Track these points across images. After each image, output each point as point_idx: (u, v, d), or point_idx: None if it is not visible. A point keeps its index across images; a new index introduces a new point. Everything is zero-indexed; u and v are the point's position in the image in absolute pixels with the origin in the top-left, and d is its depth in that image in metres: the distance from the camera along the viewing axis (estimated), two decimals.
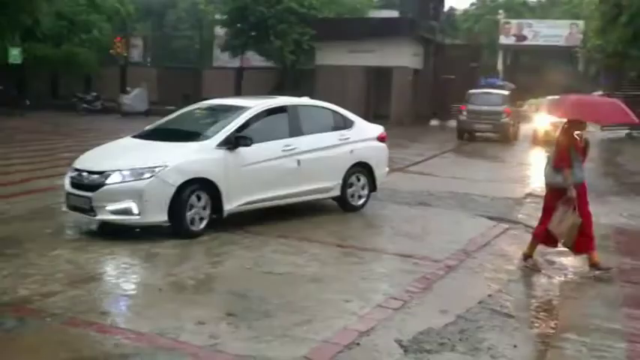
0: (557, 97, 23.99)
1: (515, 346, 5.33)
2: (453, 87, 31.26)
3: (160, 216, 8.01)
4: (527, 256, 7.80)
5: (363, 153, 10.31)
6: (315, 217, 9.76)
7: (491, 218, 10.31)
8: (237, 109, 9.24)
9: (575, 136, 7.55)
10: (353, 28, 29.46)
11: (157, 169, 7.98)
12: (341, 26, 30.06)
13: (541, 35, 47.17)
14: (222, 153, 8.52)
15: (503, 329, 5.71)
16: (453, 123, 29.61)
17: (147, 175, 7.95)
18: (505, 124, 23.19)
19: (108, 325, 5.43)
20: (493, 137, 23.93)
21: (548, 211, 7.66)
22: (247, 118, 8.98)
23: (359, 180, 10.32)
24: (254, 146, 8.75)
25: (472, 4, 60.42)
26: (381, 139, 10.81)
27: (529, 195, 12.68)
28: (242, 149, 8.66)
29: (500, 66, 49.37)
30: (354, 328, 5.48)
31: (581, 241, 7.51)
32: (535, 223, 10.26)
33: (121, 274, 7.01)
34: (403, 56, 28.79)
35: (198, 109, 10.24)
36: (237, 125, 8.81)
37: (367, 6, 37.54)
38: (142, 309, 5.93)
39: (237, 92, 31.68)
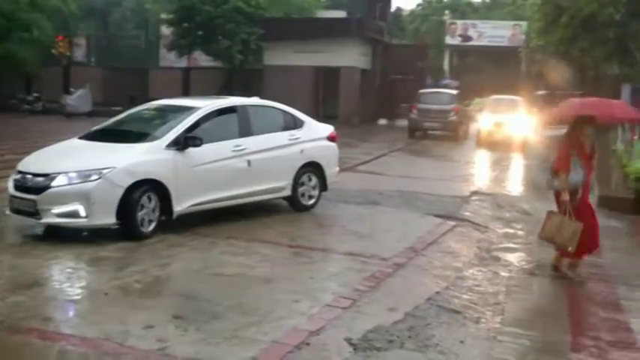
0: (501, 96, 24.37)
1: (462, 342, 5.41)
2: (400, 87, 31.60)
3: (108, 218, 7.88)
4: (556, 268, 7.50)
5: (314, 153, 10.33)
6: (264, 218, 9.72)
7: (438, 216, 10.44)
8: (187, 110, 9.16)
9: (581, 140, 7.33)
10: (301, 28, 29.51)
11: (104, 171, 7.85)
12: (289, 26, 30.07)
13: (486, 36, 48.04)
14: (171, 154, 8.44)
15: (450, 325, 5.79)
16: (401, 122, 29.96)
17: (94, 176, 7.81)
18: (454, 122, 23.93)
19: (51, 331, 5.30)
20: (444, 135, 24.40)
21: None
22: (197, 119, 8.92)
23: (310, 180, 10.34)
24: (204, 147, 8.68)
25: (418, 5, 61.09)
26: (331, 138, 10.84)
27: (475, 193, 12.91)
28: (192, 150, 8.59)
29: (446, 66, 50.09)
30: (304, 328, 5.48)
31: (585, 245, 7.27)
32: (480, 219, 10.49)
33: (66, 278, 6.85)
34: (351, 56, 28.95)
35: (147, 109, 10.10)
36: (187, 126, 8.74)
37: (315, 6, 37.66)
38: (87, 314, 5.82)
39: (185, 92, 31.34)
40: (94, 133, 9.37)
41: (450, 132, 24.13)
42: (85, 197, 7.72)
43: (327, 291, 6.54)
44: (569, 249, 7.18)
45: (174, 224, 8.57)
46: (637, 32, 22.58)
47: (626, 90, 17.36)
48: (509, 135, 21.53)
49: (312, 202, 10.41)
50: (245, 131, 9.47)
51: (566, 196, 7.11)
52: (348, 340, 5.28)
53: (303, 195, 10.27)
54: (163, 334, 5.24)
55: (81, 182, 7.80)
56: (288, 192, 10.04)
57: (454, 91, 26.62)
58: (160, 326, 5.40)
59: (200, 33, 29.18)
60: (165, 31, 35.37)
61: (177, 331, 5.33)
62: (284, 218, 9.88)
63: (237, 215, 9.49)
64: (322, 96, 29.71)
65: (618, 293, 7.07)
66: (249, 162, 9.32)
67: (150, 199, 8.17)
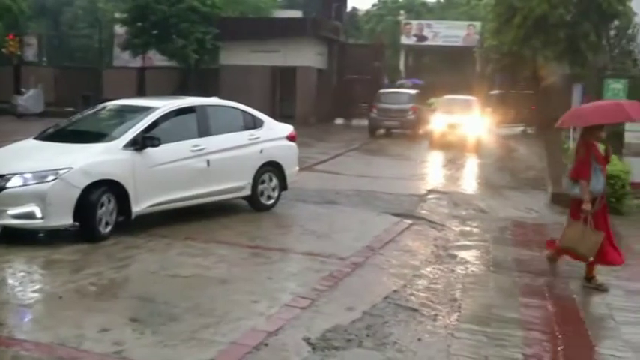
0: (454, 96, 24.56)
1: (419, 339, 5.47)
2: (357, 86, 31.74)
3: (65, 219, 7.80)
4: (590, 278, 7.30)
5: (273, 152, 10.34)
6: (222, 218, 9.67)
7: (395, 215, 10.52)
8: (145, 110, 9.10)
9: (594, 143, 7.22)
10: (257, 28, 29.40)
11: (61, 172, 7.76)
12: (245, 26, 29.93)
13: (441, 36, 48.50)
14: (129, 154, 8.39)
15: (408, 323, 5.84)
16: (358, 122, 30.12)
17: (50, 177, 7.71)
18: (412, 120, 24.39)
19: (4, 336, 5.19)
20: (401, 134, 24.71)
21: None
22: (155, 119, 8.87)
23: (270, 179, 10.35)
24: (162, 147, 8.65)
25: (374, 5, 61.40)
26: (290, 138, 10.88)
27: (431, 191, 13.05)
28: (150, 150, 8.54)
29: (402, 66, 50.46)
30: (262, 329, 5.47)
31: (609, 253, 7.17)
32: (437, 218, 10.61)
33: (19, 282, 6.71)
34: (307, 56, 28.96)
35: (105, 109, 9.99)
36: (145, 126, 8.68)
37: (271, 6, 37.54)
38: (41, 318, 5.71)
39: (140, 92, 30.94)
40: (50, 133, 9.26)
41: (409, 130, 24.57)
42: (40, 198, 7.62)
43: (286, 291, 6.54)
44: (590, 258, 7.11)
45: (131, 226, 8.47)
46: (587, 33, 23.09)
47: (577, 89, 17.73)
48: (463, 136, 21.15)
49: (272, 201, 10.42)
50: (204, 131, 9.43)
51: (588, 206, 6.94)
52: (307, 340, 5.29)
53: (262, 195, 10.27)
54: (120, 337, 5.18)
55: (37, 183, 7.69)
56: (247, 192, 10.02)
57: (413, 91, 27.09)
58: (116, 329, 5.33)
59: (154, 32, 28.82)
60: (119, 30, 34.88)
61: (133, 334, 5.27)
62: (242, 218, 9.84)
63: (195, 216, 9.42)
64: (279, 96, 29.67)
65: (571, 288, 7.23)
66: (208, 162, 9.29)
67: (108, 200, 8.10)
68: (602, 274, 7.92)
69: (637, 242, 9.82)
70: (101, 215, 8.01)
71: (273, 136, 10.52)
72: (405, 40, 49.64)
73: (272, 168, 10.35)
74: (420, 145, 22.66)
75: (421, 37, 49.19)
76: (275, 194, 10.47)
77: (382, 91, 26.85)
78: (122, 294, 6.42)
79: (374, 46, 33.55)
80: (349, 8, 47.23)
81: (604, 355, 5.38)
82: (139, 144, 8.47)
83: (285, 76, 29.25)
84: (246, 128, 10.22)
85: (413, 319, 5.94)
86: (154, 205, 8.68)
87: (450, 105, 22.99)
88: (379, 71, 31.68)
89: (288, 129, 10.98)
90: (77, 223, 7.90)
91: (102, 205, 8.00)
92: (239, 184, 9.87)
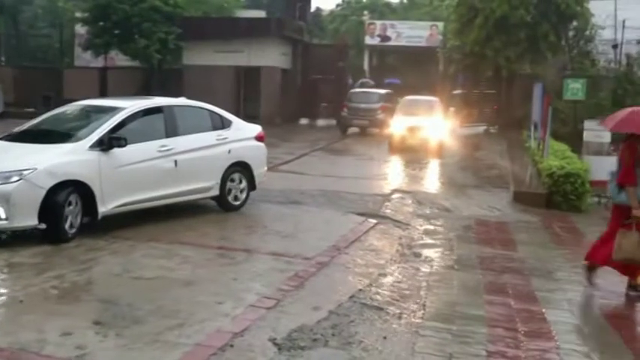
0: (415, 97, 24.61)
1: (385, 338, 5.50)
2: (321, 86, 31.77)
3: (29, 220, 7.70)
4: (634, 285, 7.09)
5: (242, 153, 10.37)
6: (186, 219, 9.59)
7: (360, 214, 10.56)
8: (112, 110, 9.06)
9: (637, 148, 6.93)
10: (220, 28, 29.23)
11: (25, 172, 7.67)
12: (208, 25, 29.74)
13: (404, 36, 48.76)
14: (95, 154, 8.36)
15: (373, 322, 5.87)
16: (322, 122, 30.20)
17: (14, 178, 7.62)
18: (381, 119, 24.69)
19: None
20: (371, 133, 24.94)
21: (612, 229, 7.15)
22: (122, 119, 8.85)
23: (238, 180, 10.39)
24: (129, 147, 8.62)
25: (337, 5, 61.54)
26: (259, 138, 10.91)
27: (396, 191, 13.12)
28: (117, 150, 8.52)
29: (366, 66, 50.66)
30: (228, 330, 5.44)
31: None
32: (401, 217, 10.68)
33: None
34: (271, 56, 28.90)
35: (71, 109, 9.92)
36: (111, 126, 8.66)
37: (234, 5, 37.37)
38: (2, 323, 5.60)
39: (102, 93, 30.52)
40: (15, 133, 9.19)
41: (378, 128, 24.78)
42: (4, 199, 7.53)
43: (251, 291, 6.52)
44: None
45: (94, 228, 8.38)
46: (547, 33, 23.49)
47: (537, 89, 18.00)
48: (424, 140, 20.03)
49: (240, 202, 10.45)
50: (171, 131, 9.43)
51: (639, 212, 6.72)
52: (273, 340, 5.28)
53: (231, 195, 10.30)
54: (82, 340, 5.10)
55: (0, 184, 7.58)
56: (215, 192, 10.03)
57: (382, 91, 27.52)
58: (78, 333, 5.25)
59: (116, 32, 28.46)
60: (80, 30, 34.36)
61: (96, 338, 5.19)
62: (206, 219, 9.78)
63: (158, 217, 9.34)
64: (243, 96, 29.55)
65: (533, 285, 7.34)
66: (175, 162, 9.30)
67: (75, 202, 8.06)
68: (563, 269, 8.08)
69: (596, 239, 10.00)
70: (67, 216, 7.96)
71: (242, 136, 10.52)
72: (368, 40, 49.82)
73: (240, 168, 10.37)
74: (385, 145, 22.77)
75: (385, 37, 49.43)
76: (244, 194, 10.49)
77: (353, 90, 27.73)
78: (85, 297, 6.33)
79: (338, 46, 33.60)
80: (313, 8, 47.34)
81: (565, 349, 5.47)
82: (106, 144, 8.44)
83: (249, 77, 29.15)
84: (214, 128, 10.20)
85: (378, 318, 5.97)
86: (120, 205, 8.64)
87: (410, 106, 21.82)
88: (343, 71, 31.73)
89: (256, 129, 10.99)
90: (42, 225, 7.78)
91: (69, 205, 7.96)
92: (207, 184, 9.87)
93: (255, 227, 9.61)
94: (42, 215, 7.74)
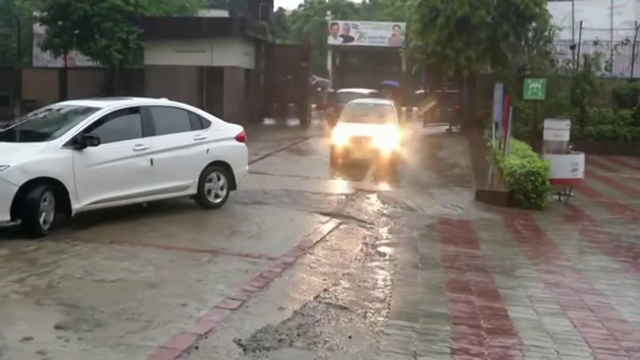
0: (363, 100, 24.50)
1: (350, 337, 5.52)
2: (285, 86, 31.74)
3: (1, 216, 8.00)
4: None
5: (220, 152, 10.63)
6: (149, 220, 9.50)
7: (324, 214, 10.59)
8: (88, 110, 9.38)
9: None
10: (183, 28, 28.97)
11: None
12: (170, 25, 29.45)
13: (367, 36, 49.07)
14: (69, 152, 8.64)
15: (338, 321, 5.89)
16: (287, 122, 30.20)
17: None
18: None
19: None
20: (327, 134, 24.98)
21: None
22: (96, 119, 9.15)
23: (217, 178, 10.65)
24: (104, 146, 8.95)
25: (300, 5, 61.60)
26: (239, 138, 11.18)
27: (359, 190, 13.16)
28: (91, 149, 8.82)
29: (329, 66, 50.79)
30: (192, 332, 5.41)
31: None
32: (365, 216, 10.73)
33: None
34: (234, 56, 28.75)
35: (52, 110, 10.28)
36: (85, 126, 8.96)
37: (196, 5, 37.09)
38: None
39: (62, 93, 30.01)
40: None
41: None
42: None
43: (215, 293, 6.48)
44: None
45: (54, 231, 8.29)
46: (507, 34, 23.81)
47: (498, 88, 18.23)
48: (373, 152, 16.36)
49: (220, 200, 10.71)
50: (148, 131, 9.72)
51: None
52: (238, 342, 5.26)
53: (210, 193, 10.56)
54: (44, 346, 5.01)
55: None
56: (193, 190, 10.32)
57: (366, 91, 28.84)
58: (39, 338, 5.16)
59: (76, 32, 28.01)
60: (39, 29, 33.75)
61: (58, 342, 5.11)
62: (169, 220, 9.69)
63: (121, 219, 9.26)
64: (206, 96, 29.35)
65: (496, 282, 7.44)
66: (151, 161, 9.57)
67: (48, 198, 8.33)
68: (525, 267, 8.20)
69: (557, 236, 10.20)
70: (42, 212, 8.23)
71: (221, 136, 10.79)
72: (331, 41, 50.00)
73: (220, 167, 10.63)
74: None
75: (348, 38, 49.65)
76: (223, 193, 10.74)
77: (339, 91, 30.15)
78: (46, 301, 6.20)
79: (301, 47, 33.57)
80: (276, 8, 47.26)
81: (526, 345, 5.55)
82: (79, 143, 8.73)
83: (212, 77, 28.95)
84: (193, 128, 10.46)
85: (343, 318, 5.99)
86: (95, 202, 8.91)
87: (357, 112, 18.11)
88: (306, 71, 31.72)
89: (237, 129, 11.28)
90: (17, 221, 8.09)
91: (43, 201, 8.24)
92: (184, 182, 10.14)
93: (220, 228, 9.56)
94: (14, 212, 8.00)
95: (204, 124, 10.67)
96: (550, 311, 6.50)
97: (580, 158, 13.16)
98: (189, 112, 10.66)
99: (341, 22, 51.65)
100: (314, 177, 14.80)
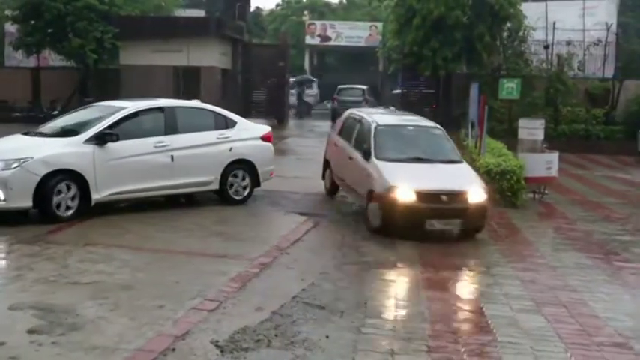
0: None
1: (327, 337, 5.53)
2: (262, 86, 31.71)
3: (25, 202, 8.89)
4: None
5: (244, 151, 11.11)
6: (124, 223, 9.43)
7: (302, 214, 10.58)
8: (115, 109, 10.14)
9: None
10: (159, 27, 28.75)
11: (22, 161, 8.87)
12: (146, 25, 29.21)
13: (344, 36, 49.11)
14: (90, 148, 9.42)
15: (316, 321, 5.90)
16: (265, 121, 30.13)
17: (14, 165, 8.82)
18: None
19: None
20: (312, 131, 25.18)
21: None
22: (119, 117, 9.87)
23: (241, 176, 11.11)
24: (126, 142, 9.70)
25: (277, 5, 61.48)
26: (265, 138, 11.65)
27: (338, 190, 13.14)
28: (113, 145, 9.57)
29: (307, 66, 50.78)
30: (169, 334, 5.38)
31: None
32: (343, 215, 10.73)
33: None
34: (211, 56, 28.62)
35: (87, 109, 11.14)
36: (109, 123, 9.71)
37: (172, 5, 36.85)
38: None
39: (36, 93, 29.68)
40: (37, 130, 10.33)
41: None
42: (3, 183, 8.72)
43: (192, 294, 6.44)
44: None
45: (30, 234, 8.25)
46: (482, 34, 23.98)
47: (474, 88, 18.36)
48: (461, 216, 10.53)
49: (242, 197, 11.13)
50: (171, 130, 10.35)
51: None
52: (215, 343, 5.25)
53: (232, 189, 11.02)
54: (17, 351, 4.94)
55: (2, 169, 8.77)
56: (215, 186, 10.85)
57: (364, 87, 34.18)
58: (12, 342, 5.09)
59: (49, 31, 27.69)
60: (11, 28, 33.32)
61: (31, 347, 5.05)
62: (144, 222, 9.61)
63: (96, 221, 9.20)
64: (183, 96, 29.19)
65: (472, 280, 7.50)
66: (172, 157, 10.20)
67: (69, 188, 9.12)
68: (500, 264, 8.27)
69: (532, 234, 10.30)
70: (60, 199, 9.04)
71: (246, 136, 11.28)
72: (309, 40, 49.97)
73: (244, 166, 11.09)
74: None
75: (325, 38, 49.66)
76: (246, 191, 11.17)
77: (340, 86, 34.31)
78: (19, 305, 6.11)
79: (278, 46, 33.51)
80: (253, 8, 47.12)
81: (503, 342, 5.61)
82: (101, 139, 9.50)
83: (188, 77, 28.79)
84: (217, 128, 11.01)
85: (321, 317, 6.00)
86: (114, 193, 9.63)
87: (400, 144, 10.73)
88: (284, 71, 31.68)
89: (263, 130, 11.84)
90: (37, 209, 8.94)
91: (59, 192, 9.03)
92: (205, 178, 10.67)
93: (197, 229, 9.51)
94: (37, 200, 8.88)
95: (229, 124, 11.20)
96: (525, 308, 6.57)
97: (554, 157, 13.30)
98: (215, 112, 11.27)
99: (318, 22, 51.64)
100: (292, 177, 14.77)
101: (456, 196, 9.24)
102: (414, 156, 10.04)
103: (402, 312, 6.26)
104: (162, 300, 6.19)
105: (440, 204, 9.11)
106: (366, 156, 9.99)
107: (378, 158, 9.79)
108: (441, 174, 9.72)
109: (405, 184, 9.11)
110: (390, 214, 9.10)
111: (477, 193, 9.36)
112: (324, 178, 12.60)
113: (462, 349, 5.42)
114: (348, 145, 11.19)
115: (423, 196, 9.03)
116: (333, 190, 12.22)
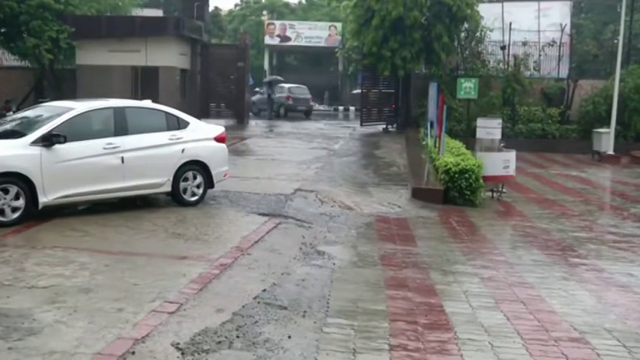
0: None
1: (289, 337, 5.52)
2: (222, 86, 31.56)
3: None
4: None
5: (197, 152, 10.97)
6: (83, 225, 9.28)
7: (263, 214, 10.56)
8: (62, 110, 9.91)
9: None
10: (116, 27, 28.41)
11: None
12: (103, 24, 28.82)
13: (304, 36, 49.20)
14: (37, 149, 9.20)
15: (278, 321, 5.88)
16: (224, 122, 29.97)
17: None
18: (312, 106, 36.10)
19: None
20: (267, 136, 25.02)
21: None
22: (67, 118, 9.65)
23: (194, 177, 10.98)
24: (74, 144, 9.48)
25: (236, 5, 61.23)
26: (219, 139, 11.48)
27: (298, 190, 13.17)
28: (60, 146, 9.34)
29: (266, 66, 50.69)
30: (129, 337, 5.30)
31: None
32: (304, 215, 10.75)
33: None
34: (169, 56, 28.37)
35: (34, 109, 10.88)
36: (56, 125, 9.48)
37: (129, 4, 36.41)
38: None
39: None
40: None
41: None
42: None
43: (152, 296, 6.37)
44: None
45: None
46: (440, 34, 24.25)
47: (433, 87, 18.57)
48: None
49: (195, 198, 11.02)
50: (120, 131, 10.15)
51: None
52: (176, 345, 5.20)
53: (185, 191, 10.88)
54: None
55: None
56: (167, 188, 10.70)
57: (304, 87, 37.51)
58: None
59: (2, 30, 27.12)
60: None
61: None
62: (103, 224, 9.48)
63: (54, 224, 9.03)
64: (141, 96, 28.85)
65: (432, 279, 7.57)
66: (122, 159, 10.01)
67: (6, 191, 8.88)
68: (460, 262, 8.38)
69: (490, 232, 10.46)
70: (1, 204, 8.84)
71: (199, 136, 11.13)
72: (268, 41, 49.92)
73: (197, 167, 10.97)
74: (291, 147, 22.85)
75: (284, 38, 49.66)
76: (199, 191, 11.05)
77: (287, 85, 37.51)
78: None
79: (238, 46, 33.36)
80: (211, 8, 46.79)
81: (462, 339, 5.67)
82: (48, 140, 9.26)
83: (146, 77, 28.49)
84: (169, 129, 10.83)
85: (283, 318, 5.99)
86: (63, 196, 9.42)
87: None
88: (244, 71, 31.55)
89: (216, 130, 11.62)
90: None
91: (6, 193, 8.85)
92: (157, 180, 10.50)
93: (156, 231, 9.41)
94: None
95: (181, 124, 11.01)
96: (484, 305, 6.66)
97: (511, 156, 13.53)
98: (166, 113, 11.06)
99: (277, 22, 51.62)
100: (252, 178, 14.73)
101: None
102: None
103: (364, 311, 6.29)
104: (121, 303, 6.11)
105: None
106: None
107: None
108: None
109: None
110: None
111: None
112: None
113: (423, 347, 5.47)
114: None
115: None
116: None
